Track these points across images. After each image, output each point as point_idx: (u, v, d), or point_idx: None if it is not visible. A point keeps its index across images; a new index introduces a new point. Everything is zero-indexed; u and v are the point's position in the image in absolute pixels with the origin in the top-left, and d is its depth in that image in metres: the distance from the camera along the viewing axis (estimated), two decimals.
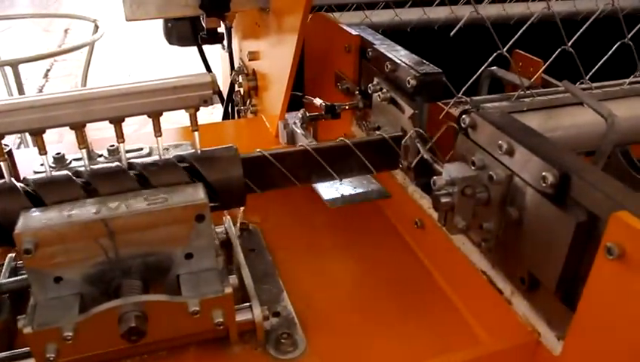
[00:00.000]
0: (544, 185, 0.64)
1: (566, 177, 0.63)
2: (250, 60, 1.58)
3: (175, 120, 1.25)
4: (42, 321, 0.66)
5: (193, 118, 0.75)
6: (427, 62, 0.97)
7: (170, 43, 1.98)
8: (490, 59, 0.85)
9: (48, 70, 5.63)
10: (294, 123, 1.19)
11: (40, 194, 0.70)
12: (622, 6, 1.51)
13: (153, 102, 0.71)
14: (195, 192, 0.72)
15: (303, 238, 1.03)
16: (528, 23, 0.85)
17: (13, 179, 0.71)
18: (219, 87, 1.82)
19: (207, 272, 0.74)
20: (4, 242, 0.68)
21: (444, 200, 0.72)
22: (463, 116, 0.78)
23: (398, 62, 0.98)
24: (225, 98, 1.85)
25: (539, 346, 0.71)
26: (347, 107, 1.15)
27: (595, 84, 0.99)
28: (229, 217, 0.96)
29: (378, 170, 0.88)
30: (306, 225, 1.07)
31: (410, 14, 1.56)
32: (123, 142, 0.74)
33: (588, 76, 0.96)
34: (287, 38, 1.22)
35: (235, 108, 1.84)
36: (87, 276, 0.70)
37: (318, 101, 1.19)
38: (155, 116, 0.73)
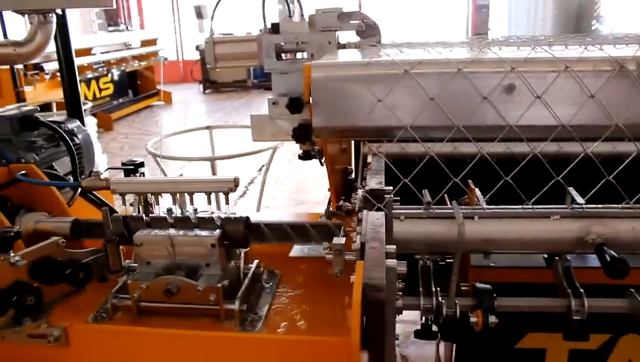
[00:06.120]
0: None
1: None
2: None
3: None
4: (136, 279, 1.43)
5: (226, 198, 1.49)
6: (382, 183, 1.56)
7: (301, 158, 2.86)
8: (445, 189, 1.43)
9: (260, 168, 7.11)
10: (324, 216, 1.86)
11: (150, 224, 1.50)
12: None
13: (204, 186, 1.48)
14: (215, 233, 1.44)
15: (302, 281, 1.66)
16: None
17: (143, 215, 1.53)
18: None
19: (215, 275, 1.44)
20: (130, 242, 1.48)
21: (326, 256, 1.31)
22: (359, 213, 1.37)
23: (367, 181, 1.59)
24: None
25: None
26: (351, 207, 1.77)
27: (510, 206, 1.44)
28: (257, 260, 1.65)
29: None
30: (309, 275, 1.69)
31: (444, 148, 2.10)
32: (192, 204, 1.51)
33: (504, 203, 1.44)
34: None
35: None
36: (160, 265, 1.46)
37: (341, 203, 1.84)
38: (207, 194, 1.50)
